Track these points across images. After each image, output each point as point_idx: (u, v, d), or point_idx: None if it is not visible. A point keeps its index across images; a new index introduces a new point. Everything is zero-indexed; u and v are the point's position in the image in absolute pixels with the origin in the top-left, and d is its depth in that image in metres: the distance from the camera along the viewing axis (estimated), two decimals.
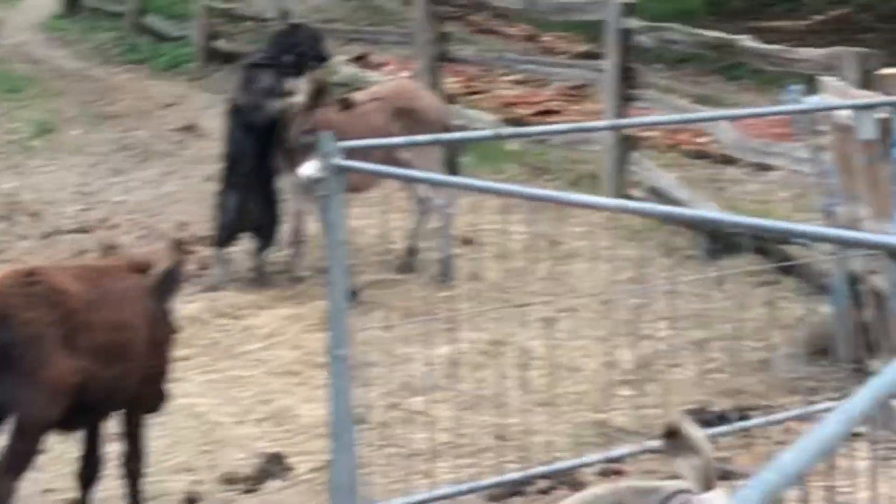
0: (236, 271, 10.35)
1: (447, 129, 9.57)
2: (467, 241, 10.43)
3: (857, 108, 6.85)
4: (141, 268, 5.81)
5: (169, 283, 5.98)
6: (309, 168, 8.15)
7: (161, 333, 5.95)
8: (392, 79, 10.64)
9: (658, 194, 11.05)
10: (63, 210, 12.36)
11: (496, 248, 9.66)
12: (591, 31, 19.44)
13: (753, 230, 5.92)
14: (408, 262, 10.14)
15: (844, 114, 7.05)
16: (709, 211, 7.21)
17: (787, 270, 9.18)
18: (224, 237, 10.09)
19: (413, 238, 10.23)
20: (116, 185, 13.37)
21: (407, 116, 9.71)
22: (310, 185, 8.40)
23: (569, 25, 19.40)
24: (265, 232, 10.03)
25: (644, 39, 11.68)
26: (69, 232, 11.51)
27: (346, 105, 9.43)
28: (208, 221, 11.63)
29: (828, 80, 7.74)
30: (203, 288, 9.93)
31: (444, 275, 9.89)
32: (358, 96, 10.04)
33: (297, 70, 9.90)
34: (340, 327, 5.44)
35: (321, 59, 10.65)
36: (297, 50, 10.33)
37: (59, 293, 5.32)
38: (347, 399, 5.46)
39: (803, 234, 5.68)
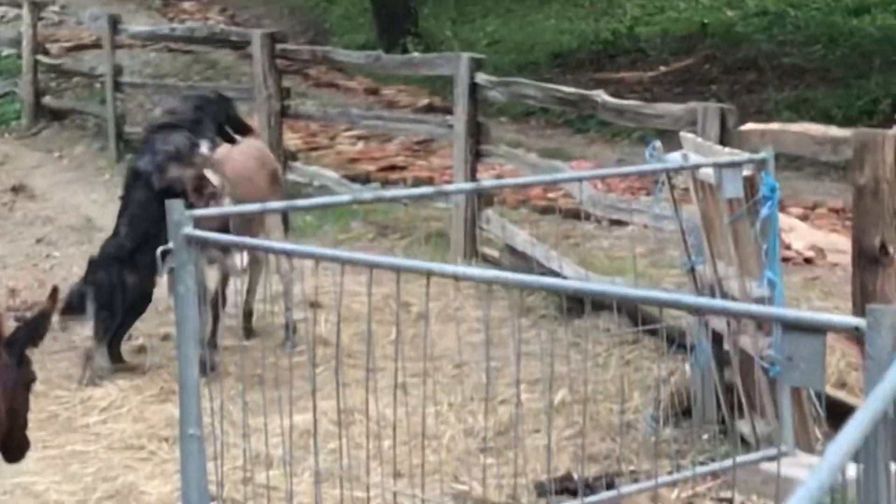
0: (72, 340, 9.83)
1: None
2: (314, 305, 10.07)
3: (722, 166, 6.67)
4: None
5: (34, 331, 5.83)
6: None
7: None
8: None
9: (512, 252, 10.82)
10: None
11: (343, 311, 9.34)
12: (433, 83, 19.42)
13: (635, 301, 5.65)
14: (248, 327, 9.76)
15: (707, 171, 6.88)
16: (584, 282, 6.93)
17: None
18: (106, 320, 9.29)
19: (251, 301, 9.90)
20: None
21: (273, 178, 9.68)
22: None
23: (411, 79, 19.27)
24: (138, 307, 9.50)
25: (495, 94, 11.49)
26: None
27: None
28: (39, 286, 11.24)
29: (687, 135, 7.58)
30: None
31: (290, 340, 9.53)
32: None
33: (210, 133, 9.49)
34: (191, 405, 5.10)
35: (233, 122, 10.16)
36: (208, 113, 9.85)
37: None
38: (201, 477, 5.12)
39: (686, 306, 5.43)
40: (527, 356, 8.13)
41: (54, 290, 6.05)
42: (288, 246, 4.84)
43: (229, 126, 9.99)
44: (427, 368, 8.03)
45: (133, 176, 9.53)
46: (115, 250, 9.25)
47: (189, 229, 4.90)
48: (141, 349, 9.58)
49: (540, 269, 9.97)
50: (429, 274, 4.40)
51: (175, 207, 5.01)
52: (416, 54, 15.55)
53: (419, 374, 7.88)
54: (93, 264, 9.36)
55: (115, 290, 9.11)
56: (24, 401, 5.89)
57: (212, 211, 5.29)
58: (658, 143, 7.11)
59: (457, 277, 4.35)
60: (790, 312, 3.32)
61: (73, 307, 9.22)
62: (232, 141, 9.76)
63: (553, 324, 9.62)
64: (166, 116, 10.20)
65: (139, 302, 9.38)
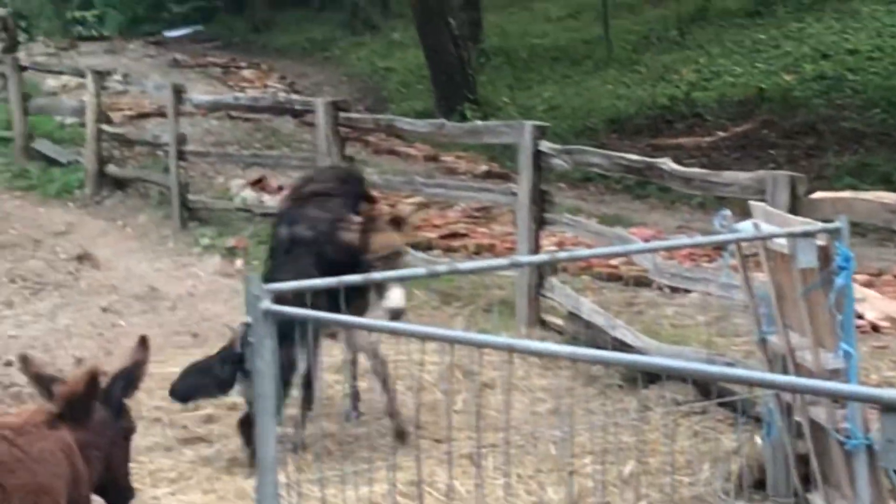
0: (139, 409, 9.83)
1: None
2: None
3: (796, 235, 6.61)
4: (56, 422, 5.41)
5: (130, 381, 5.82)
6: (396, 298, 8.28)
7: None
8: None
9: (576, 320, 10.79)
10: None
11: (411, 380, 9.34)
12: (491, 150, 19.52)
13: (719, 379, 5.58)
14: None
15: (780, 240, 6.82)
16: (664, 358, 6.84)
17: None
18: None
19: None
20: (8, 318, 12.81)
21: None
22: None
23: (470, 146, 19.36)
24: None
25: (559, 162, 11.46)
26: None
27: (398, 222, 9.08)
28: (105, 355, 11.28)
29: (757, 204, 7.53)
30: None
31: (355, 410, 9.47)
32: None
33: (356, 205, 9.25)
34: (269, 482, 5.07)
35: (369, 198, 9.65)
36: (353, 187, 9.49)
37: None
38: None
39: (781, 386, 5.35)
40: (593, 426, 8.10)
41: (144, 340, 6.07)
42: (369, 321, 4.78)
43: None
44: (496, 439, 8.01)
45: (290, 242, 9.05)
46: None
47: (267, 303, 4.88)
48: (209, 418, 9.55)
49: (604, 337, 9.97)
50: (510, 350, 4.33)
51: (252, 281, 4.99)
52: (479, 122, 15.59)
53: (486, 444, 7.86)
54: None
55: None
56: (124, 452, 5.87)
57: (290, 285, 5.25)
58: (727, 213, 7.06)
59: (541, 354, 4.28)
60: (891, 393, 3.25)
61: (222, 382, 8.79)
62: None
63: (619, 393, 9.58)
64: (312, 185, 9.70)
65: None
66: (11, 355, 11.24)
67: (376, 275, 5.70)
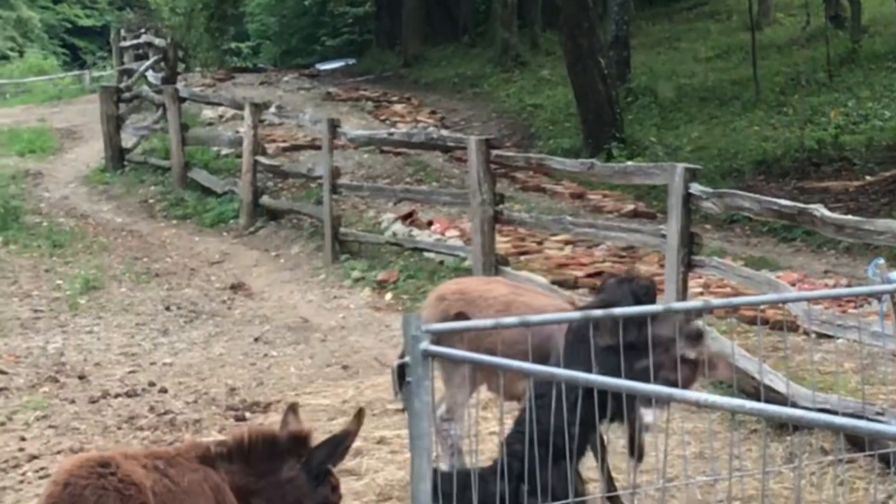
0: None
1: None
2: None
3: None
4: (209, 459, 5.51)
5: (336, 448, 5.75)
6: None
7: None
8: None
9: None
10: (111, 372, 12.07)
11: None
12: (638, 188, 19.52)
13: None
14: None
15: None
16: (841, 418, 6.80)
17: (863, 446, 8.83)
18: None
19: None
20: (164, 346, 13.15)
21: None
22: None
23: (617, 185, 19.37)
24: None
25: (709, 205, 11.43)
26: (117, 396, 11.19)
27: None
28: (257, 385, 11.52)
29: None
30: None
31: None
32: None
33: None
34: None
35: None
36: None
37: (131, 486, 5.09)
38: None
39: None
40: (739, 472, 8.08)
41: (361, 412, 5.96)
42: (520, 364, 4.87)
43: None
44: (643, 481, 8.03)
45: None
46: None
47: (426, 344, 4.99)
48: (357, 451, 9.66)
49: (751, 382, 9.93)
50: (669, 400, 4.37)
51: (411, 321, 5.10)
52: (629, 163, 15.61)
53: (628, 487, 7.88)
54: None
55: None
56: None
57: (448, 326, 5.38)
58: (881, 261, 7.06)
59: (699, 405, 4.30)
60: None
61: None
62: None
63: (765, 439, 9.54)
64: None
65: None
66: (167, 382, 11.59)
67: (533, 317, 5.71)
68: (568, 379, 4.74)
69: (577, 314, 6.06)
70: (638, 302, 7.48)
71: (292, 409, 5.93)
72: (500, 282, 9.74)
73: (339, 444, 5.76)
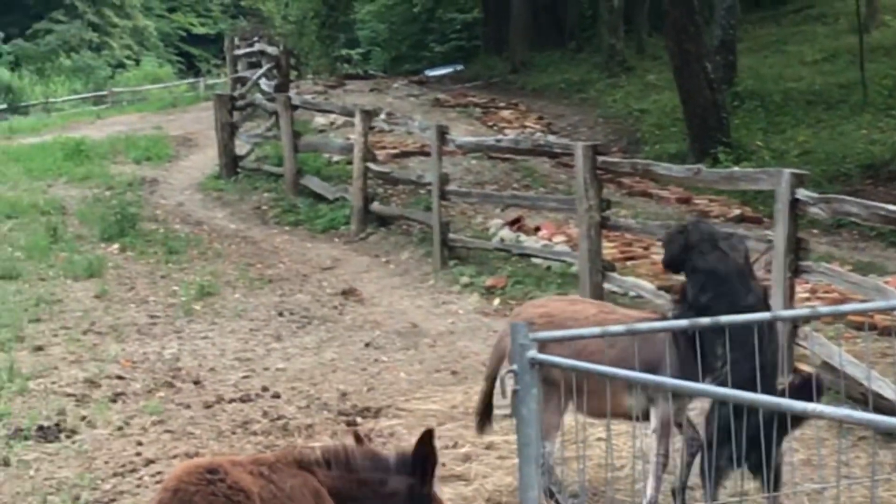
0: None
1: None
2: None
3: None
4: (307, 464, 5.65)
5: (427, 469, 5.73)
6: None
7: None
8: None
9: (830, 370, 10.76)
10: (225, 377, 12.29)
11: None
12: (744, 193, 19.49)
13: None
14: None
15: None
16: None
17: None
18: None
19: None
20: (277, 351, 13.35)
21: None
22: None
23: (727, 190, 19.34)
24: None
25: (816, 210, 11.44)
26: (231, 401, 11.39)
27: None
28: (368, 390, 11.69)
29: None
30: None
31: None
32: None
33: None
34: None
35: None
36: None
37: (239, 492, 5.24)
38: None
39: None
40: (848, 480, 8.10)
41: (426, 435, 5.85)
42: (634, 374, 4.96)
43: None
44: (751, 488, 8.05)
45: None
46: None
47: (533, 353, 5.11)
48: (467, 457, 9.76)
49: (859, 388, 9.93)
50: (778, 409, 4.39)
51: (519, 330, 5.23)
52: (736, 169, 15.64)
53: (743, 493, 7.89)
54: None
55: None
56: None
57: (555, 335, 5.52)
58: None
59: (807, 415, 4.36)
60: None
61: None
62: None
63: (874, 446, 9.52)
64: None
65: None
66: (280, 387, 11.81)
67: (641, 326, 5.82)
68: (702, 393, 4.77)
69: (684, 321, 6.16)
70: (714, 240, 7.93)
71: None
72: (585, 301, 9.75)
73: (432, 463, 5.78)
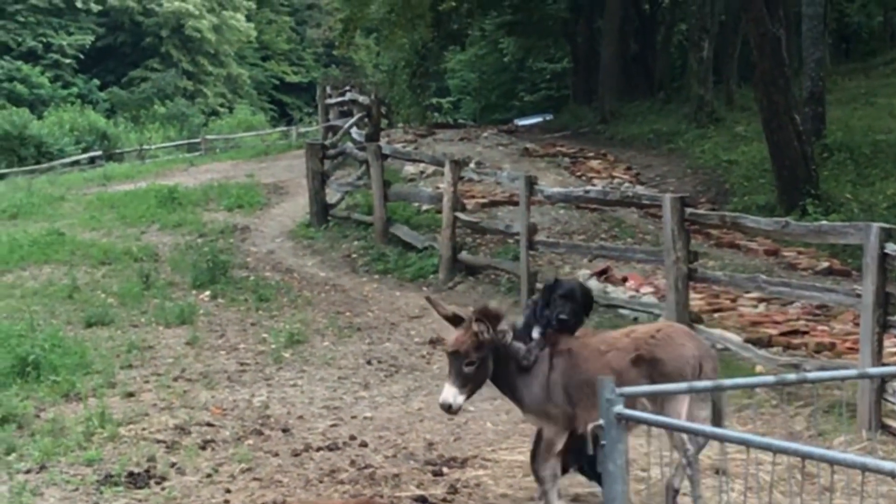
0: None
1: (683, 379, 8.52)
2: (719, 472, 10.15)
3: None
4: None
5: None
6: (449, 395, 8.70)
7: None
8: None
9: None
10: (313, 425, 12.38)
11: (749, 479, 9.39)
12: (835, 246, 19.38)
13: None
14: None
15: None
16: None
17: None
18: None
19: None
20: (364, 400, 13.42)
21: (649, 365, 8.94)
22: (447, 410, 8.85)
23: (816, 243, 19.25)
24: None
25: None
26: (319, 449, 11.47)
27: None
28: (455, 440, 11.73)
29: None
30: None
31: None
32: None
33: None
34: None
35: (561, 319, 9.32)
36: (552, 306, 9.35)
37: None
38: None
39: None
40: None
41: None
42: (720, 431, 5.02)
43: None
44: None
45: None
46: None
47: (620, 408, 5.17)
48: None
49: None
50: (864, 469, 4.41)
51: (606, 385, 5.27)
52: (824, 222, 15.56)
53: None
54: None
55: None
56: None
57: (643, 389, 5.59)
58: None
59: (894, 475, 4.34)
60: None
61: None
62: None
63: None
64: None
65: None
66: (367, 436, 11.89)
67: (728, 381, 5.87)
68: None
69: (770, 378, 6.18)
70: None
71: None
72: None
73: None
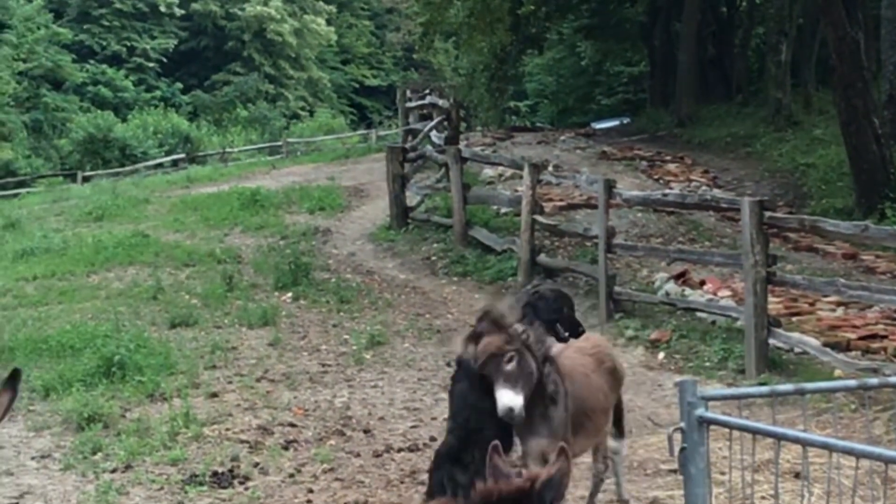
0: None
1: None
2: (798, 476, 10.19)
3: None
4: None
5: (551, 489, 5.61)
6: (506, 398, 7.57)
7: None
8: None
9: None
10: (394, 427, 12.53)
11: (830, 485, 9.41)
12: None
13: None
14: None
15: None
16: None
17: None
18: None
19: None
20: (444, 401, 13.42)
21: (612, 377, 8.87)
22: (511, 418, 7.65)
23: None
24: None
25: None
26: (400, 450, 11.62)
27: None
28: None
29: None
30: None
31: None
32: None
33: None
34: None
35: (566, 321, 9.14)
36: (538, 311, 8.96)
37: None
38: None
39: None
40: None
41: (563, 450, 5.93)
42: (803, 435, 5.08)
43: (562, 325, 9.10)
44: None
45: (456, 366, 8.80)
46: (445, 449, 8.52)
47: (702, 411, 5.21)
48: None
49: None
50: None
51: (687, 388, 5.30)
52: None
53: None
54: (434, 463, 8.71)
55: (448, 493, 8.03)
56: None
57: (724, 392, 5.69)
58: None
59: None
60: None
61: None
62: (563, 340, 8.93)
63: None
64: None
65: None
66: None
67: (809, 385, 5.92)
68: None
69: (852, 382, 6.20)
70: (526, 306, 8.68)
71: (496, 450, 5.88)
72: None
73: (560, 484, 5.60)
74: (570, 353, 8.55)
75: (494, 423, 7.76)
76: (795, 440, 5.16)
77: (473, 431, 8.07)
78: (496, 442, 6.05)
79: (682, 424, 5.26)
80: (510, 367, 7.60)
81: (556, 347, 8.43)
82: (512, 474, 5.88)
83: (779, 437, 5.21)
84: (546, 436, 7.86)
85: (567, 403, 8.05)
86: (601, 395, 8.43)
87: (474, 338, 7.82)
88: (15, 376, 5.46)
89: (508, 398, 7.52)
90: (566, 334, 8.93)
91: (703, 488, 5.26)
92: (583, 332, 9.12)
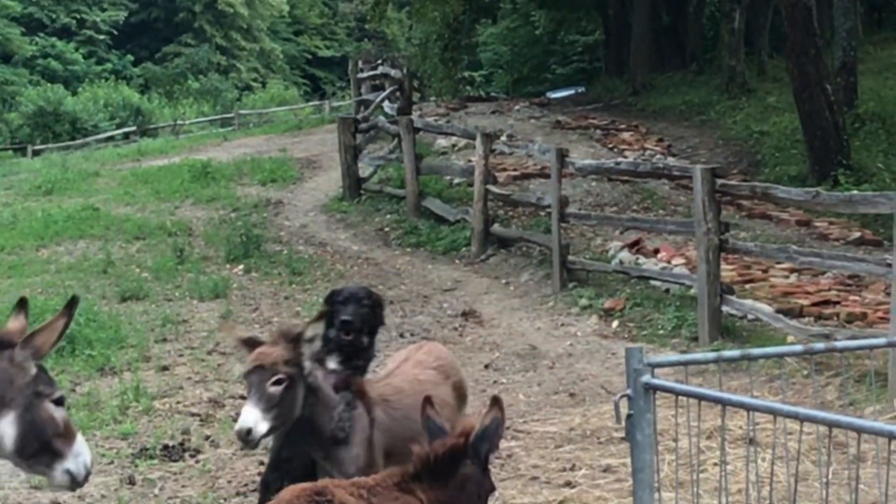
0: None
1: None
2: (752, 442, 10.16)
3: None
4: (405, 484, 5.59)
5: (490, 443, 5.55)
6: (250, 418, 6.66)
7: None
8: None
9: None
10: None
11: (779, 449, 9.39)
12: (866, 216, 19.34)
13: None
14: None
15: None
16: None
17: None
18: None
19: None
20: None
21: (457, 392, 8.09)
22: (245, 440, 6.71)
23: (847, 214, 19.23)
24: None
25: None
26: None
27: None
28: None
29: None
30: None
31: None
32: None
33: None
34: None
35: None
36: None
37: None
38: None
39: None
40: None
41: (496, 399, 5.78)
42: (749, 400, 5.05)
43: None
44: None
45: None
46: (262, 481, 8.09)
47: (648, 378, 5.20)
48: (583, 479, 9.77)
49: None
50: (892, 437, 4.42)
51: (633, 355, 5.27)
52: (855, 192, 15.55)
53: None
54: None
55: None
56: None
57: (670, 359, 5.62)
58: None
59: None
60: None
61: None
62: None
63: None
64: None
65: None
66: None
67: (756, 350, 5.87)
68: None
69: (799, 347, 6.16)
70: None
71: (428, 401, 5.82)
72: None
73: (494, 434, 5.57)
74: (407, 368, 7.84)
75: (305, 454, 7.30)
76: (741, 405, 5.13)
77: (284, 461, 7.71)
78: (429, 394, 6.14)
79: (629, 391, 5.22)
80: (273, 389, 6.71)
81: (390, 365, 8.05)
82: (446, 429, 5.96)
83: (724, 403, 5.17)
84: (350, 463, 7.06)
85: (372, 436, 7.22)
86: (447, 409, 7.28)
87: (250, 343, 6.97)
88: (73, 303, 5.79)
89: (252, 419, 6.60)
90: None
91: (649, 454, 5.21)
92: (346, 321, 8.06)
